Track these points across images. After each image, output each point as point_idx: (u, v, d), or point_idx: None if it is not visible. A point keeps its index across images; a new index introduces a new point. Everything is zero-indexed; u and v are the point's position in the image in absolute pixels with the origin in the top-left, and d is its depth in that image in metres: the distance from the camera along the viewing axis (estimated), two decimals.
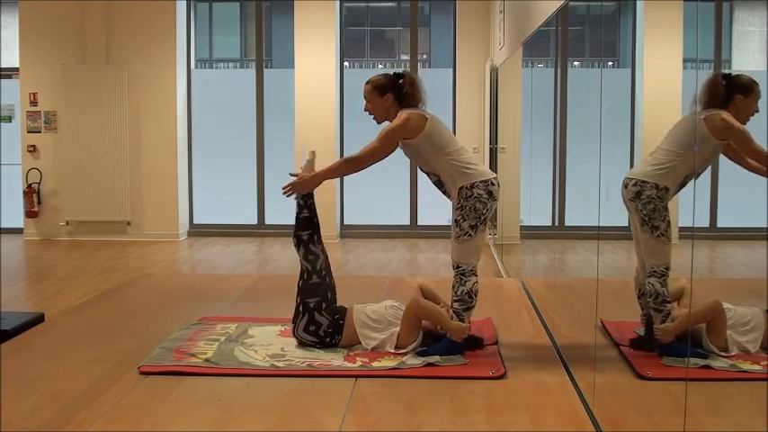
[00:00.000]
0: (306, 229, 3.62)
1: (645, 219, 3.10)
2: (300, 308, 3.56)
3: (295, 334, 3.57)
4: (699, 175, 2.98)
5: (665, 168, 3.04)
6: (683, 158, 3.00)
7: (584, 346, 3.46)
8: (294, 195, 3.58)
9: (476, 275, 3.45)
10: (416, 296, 3.59)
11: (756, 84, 2.72)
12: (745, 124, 2.78)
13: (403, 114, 3.43)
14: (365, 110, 3.56)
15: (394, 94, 3.47)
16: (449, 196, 3.51)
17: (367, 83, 3.53)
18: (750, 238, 2.59)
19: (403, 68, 3.62)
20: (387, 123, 3.50)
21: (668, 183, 3.04)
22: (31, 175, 8.76)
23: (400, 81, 3.48)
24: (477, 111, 8.50)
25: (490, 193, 3.40)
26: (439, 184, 3.52)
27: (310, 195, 3.64)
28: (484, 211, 3.39)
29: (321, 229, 3.65)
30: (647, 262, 3.17)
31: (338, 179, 8.43)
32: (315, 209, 3.65)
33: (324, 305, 3.55)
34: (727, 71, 2.82)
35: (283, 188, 3.56)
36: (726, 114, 2.83)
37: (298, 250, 3.62)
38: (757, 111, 2.69)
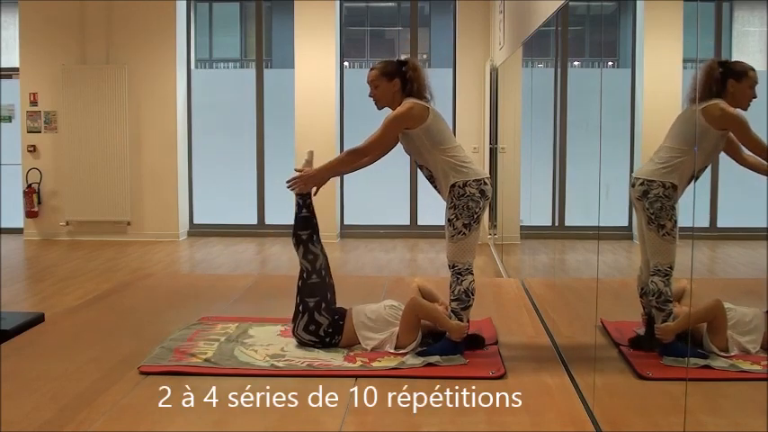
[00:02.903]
0: (305, 228, 3.62)
1: (651, 217, 3.08)
2: (300, 307, 3.56)
3: (294, 333, 3.58)
4: (705, 168, 2.97)
5: (670, 166, 3.03)
6: (687, 154, 2.98)
7: (585, 346, 3.45)
8: (296, 190, 3.58)
9: (472, 274, 3.45)
10: (415, 296, 3.59)
11: (750, 68, 2.69)
12: (745, 110, 2.74)
13: (407, 103, 3.44)
14: (369, 95, 3.55)
15: (401, 79, 3.48)
16: (440, 192, 3.52)
17: (372, 69, 3.53)
18: (750, 238, 2.59)
19: (406, 56, 3.61)
20: (387, 111, 3.50)
21: (675, 180, 3.02)
22: (31, 175, 8.76)
23: (403, 68, 3.49)
24: (478, 111, 8.50)
25: (482, 192, 3.41)
26: (431, 178, 3.53)
27: (308, 195, 3.64)
28: (477, 210, 3.40)
29: (321, 230, 3.66)
30: (652, 261, 3.16)
31: (338, 178, 8.43)
32: (313, 209, 3.65)
33: (323, 305, 3.55)
34: (723, 59, 2.80)
35: (287, 181, 3.57)
36: (723, 103, 2.81)
37: (297, 249, 3.63)
38: (755, 96, 2.66)
